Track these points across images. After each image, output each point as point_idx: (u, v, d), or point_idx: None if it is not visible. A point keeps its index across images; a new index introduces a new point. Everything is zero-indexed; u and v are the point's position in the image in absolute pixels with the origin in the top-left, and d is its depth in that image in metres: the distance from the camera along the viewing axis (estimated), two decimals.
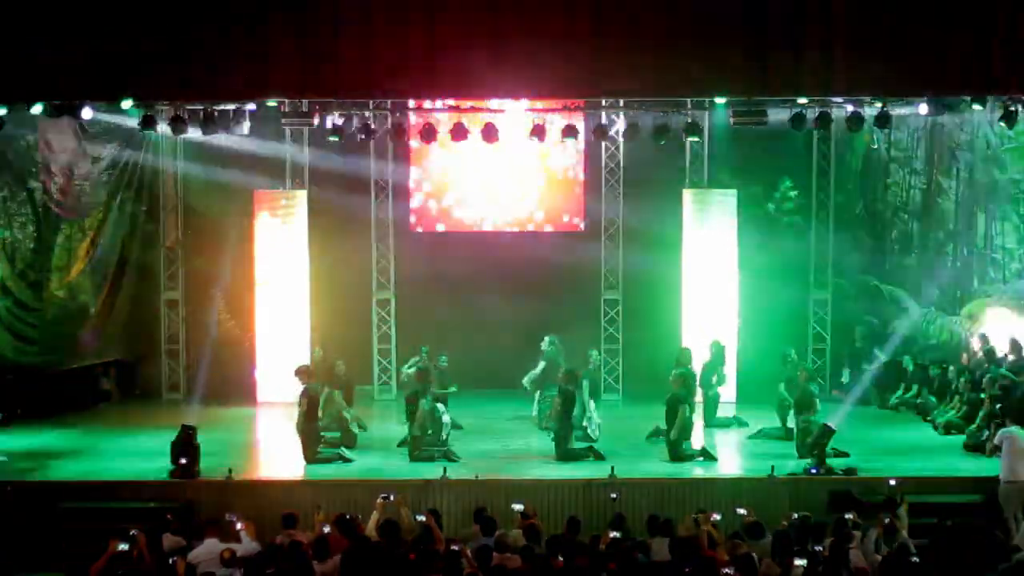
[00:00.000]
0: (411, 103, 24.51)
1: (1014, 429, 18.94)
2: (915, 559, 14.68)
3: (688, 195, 26.47)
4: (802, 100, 22.12)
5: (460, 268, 27.04)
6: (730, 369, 25.19)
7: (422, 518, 16.06)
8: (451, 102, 24.12)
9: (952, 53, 19.17)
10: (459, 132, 23.50)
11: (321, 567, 14.59)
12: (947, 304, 26.40)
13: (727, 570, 13.75)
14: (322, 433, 21.44)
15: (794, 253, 27.15)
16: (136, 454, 21.49)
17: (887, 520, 16.43)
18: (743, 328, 26.14)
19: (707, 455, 21.22)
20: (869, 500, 18.36)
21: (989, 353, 23.51)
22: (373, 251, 27.27)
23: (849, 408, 23.46)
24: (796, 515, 16.69)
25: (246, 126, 23.13)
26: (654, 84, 19.79)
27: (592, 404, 22.66)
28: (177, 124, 22.19)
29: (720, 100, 22.14)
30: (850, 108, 22.68)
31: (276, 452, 22.30)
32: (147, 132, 23.13)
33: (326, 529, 15.62)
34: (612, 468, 19.73)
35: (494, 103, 23.45)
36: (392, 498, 16.87)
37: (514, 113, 24.32)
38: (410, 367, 24.01)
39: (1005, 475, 18.73)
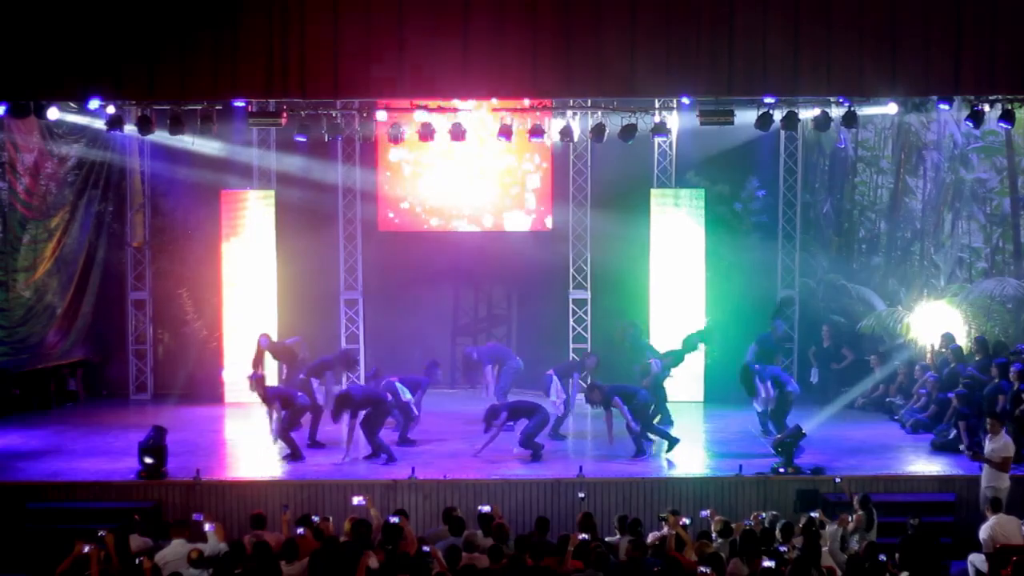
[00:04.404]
0: (379, 103, 24.46)
1: (1007, 438, 18.55)
2: (882, 558, 14.76)
3: (656, 194, 26.49)
4: (769, 100, 22.14)
5: (428, 268, 27.00)
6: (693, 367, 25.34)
7: (395, 519, 16.02)
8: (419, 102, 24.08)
9: (920, 53, 19.29)
10: (426, 132, 23.45)
11: (289, 568, 14.57)
12: (913, 303, 26.52)
13: (702, 569, 13.81)
14: None
15: (761, 252, 27.18)
16: (103, 454, 21.38)
17: (851, 518, 16.54)
18: (710, 327, 26.18)
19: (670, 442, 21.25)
20: (836, 499, 18.48)
21: (956, 352, 23.59)
22: (341, 251, 27.21)
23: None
24: (764, 514, 16.76)
25: (213, 126, 23.01)
26: (621, 85, 19.81)
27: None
28: (144, 124, 22.11)
29: (687, 100, 22.15)
30: (817, 108, 22.74)
31: (244, 452, 22.27)
32: (114, 132, 23.04)
33: (299, 531, 15.61)
34: (580, 467, 19.74)
35: (461, 103, 23.44)
36: (361, 501, 16.91)
37: (482, 113, 24.31)
38: None
39: (989, 480, 18.31)
